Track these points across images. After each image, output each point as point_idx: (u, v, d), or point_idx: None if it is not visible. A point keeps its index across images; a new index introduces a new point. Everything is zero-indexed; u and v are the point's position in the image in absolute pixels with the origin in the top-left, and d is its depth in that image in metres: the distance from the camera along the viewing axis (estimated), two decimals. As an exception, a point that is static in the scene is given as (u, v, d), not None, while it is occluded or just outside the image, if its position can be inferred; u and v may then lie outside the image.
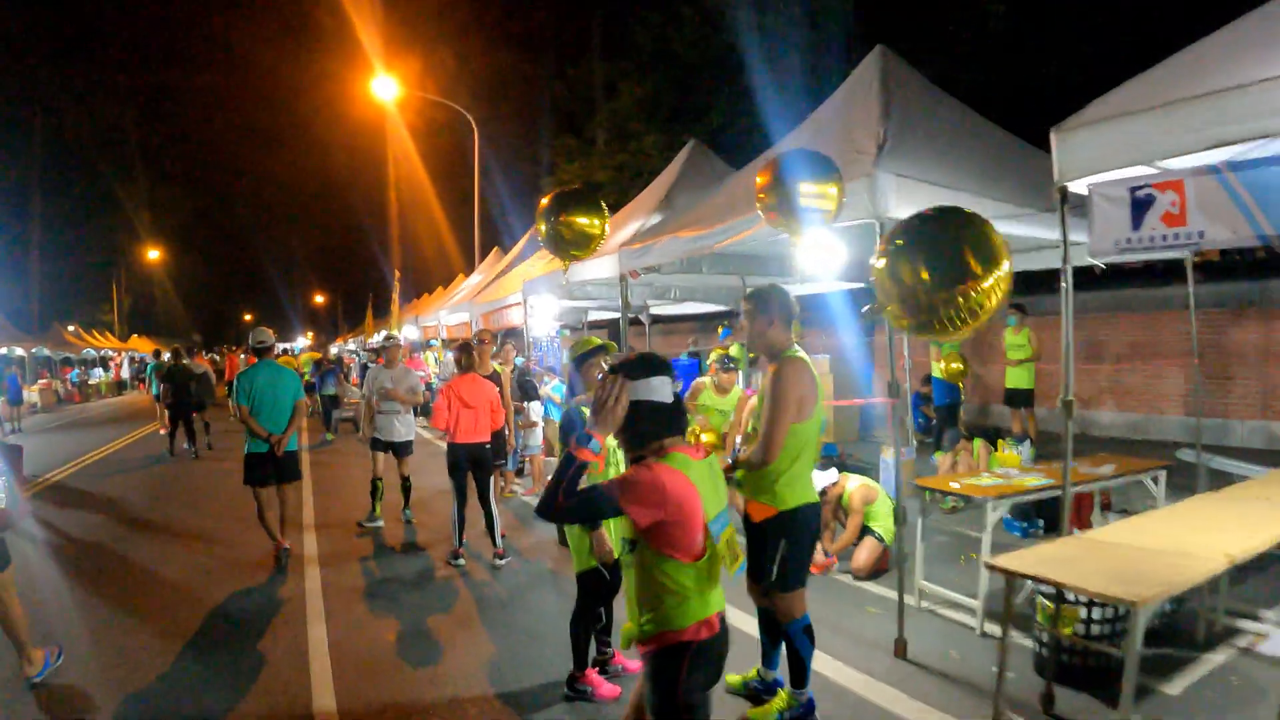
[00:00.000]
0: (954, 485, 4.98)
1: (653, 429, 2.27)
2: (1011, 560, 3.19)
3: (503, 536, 6.23)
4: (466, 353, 6.36)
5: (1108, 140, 3.47)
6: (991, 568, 3.20)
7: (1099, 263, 5.07)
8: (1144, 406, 12.85)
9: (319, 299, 75.41)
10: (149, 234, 46.93)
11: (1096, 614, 3.69)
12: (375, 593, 5.68)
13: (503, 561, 6.09)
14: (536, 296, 10.79)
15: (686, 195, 8.57)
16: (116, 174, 42.33)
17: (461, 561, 6.14)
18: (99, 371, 35.17)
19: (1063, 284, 3.80)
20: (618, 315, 15.21)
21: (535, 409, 8.86)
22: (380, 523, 7.39)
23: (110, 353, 37.68)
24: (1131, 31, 13.24)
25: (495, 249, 19.41)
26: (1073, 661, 3.78)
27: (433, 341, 20.09)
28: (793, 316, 3.52)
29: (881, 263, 3.23)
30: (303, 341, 56.29)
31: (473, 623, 5.00)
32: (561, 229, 5.68)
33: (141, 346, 38.70)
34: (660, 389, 2.26)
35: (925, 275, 3.05)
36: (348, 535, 7.24)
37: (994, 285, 2.98)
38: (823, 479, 6.00)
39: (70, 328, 33.69)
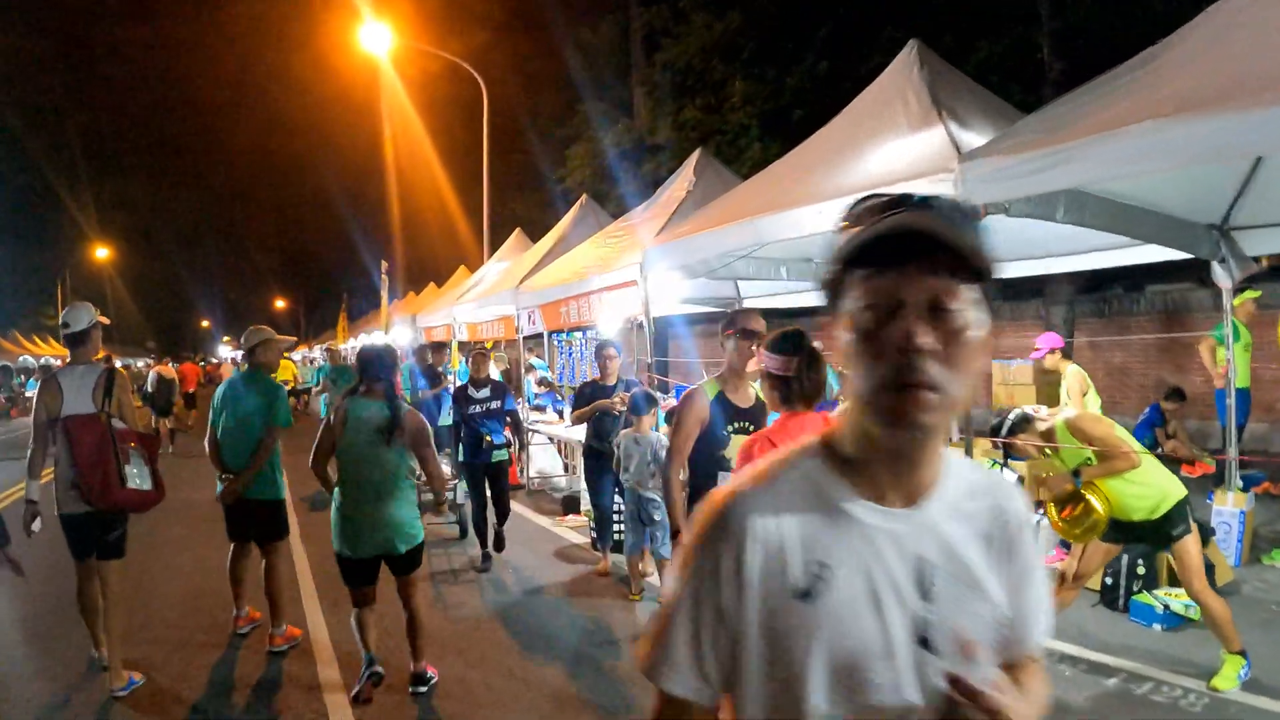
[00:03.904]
0: None
1: None
2: None
3: None
4: (813, 363, 2.72)
5: None
6: None
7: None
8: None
9: (280, 303, 71.17)
10: (97, 232, 42.99)
11: None
12: None
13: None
14: (652, 273, 7.40)
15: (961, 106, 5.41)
16: (60, 164, 38.49)
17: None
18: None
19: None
20: (716, 310, 11.44)
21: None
22: None
23: (54, 360, 33.57)
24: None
25: (518, 230, 16.24)
26: None
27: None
28: None
29: None
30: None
31: None
32: None
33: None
34: None
35: None
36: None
37: None
38: None
39: (10, 333, 30.13)
